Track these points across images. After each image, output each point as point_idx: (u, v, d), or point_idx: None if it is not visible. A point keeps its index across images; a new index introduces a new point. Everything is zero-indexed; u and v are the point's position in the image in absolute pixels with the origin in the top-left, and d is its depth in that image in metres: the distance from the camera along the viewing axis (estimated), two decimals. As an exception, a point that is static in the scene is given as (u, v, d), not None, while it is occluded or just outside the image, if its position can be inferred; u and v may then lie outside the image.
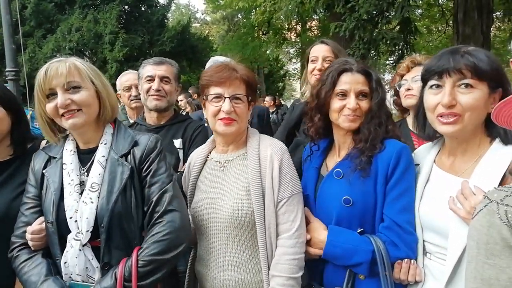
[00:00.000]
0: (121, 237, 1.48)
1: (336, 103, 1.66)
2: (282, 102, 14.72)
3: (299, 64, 24.69)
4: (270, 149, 1.66)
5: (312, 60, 2.42)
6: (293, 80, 27.87)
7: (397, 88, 2.35)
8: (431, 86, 1.42)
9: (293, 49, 23.83)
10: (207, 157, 1.82)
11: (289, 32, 18.92)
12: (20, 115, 1.82)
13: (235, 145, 1.75)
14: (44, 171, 1.59)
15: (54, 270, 1.51)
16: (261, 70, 21.63)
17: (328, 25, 8.81)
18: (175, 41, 15.86)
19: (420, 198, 1.51)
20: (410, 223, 1.49)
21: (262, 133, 1.82)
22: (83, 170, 1.56)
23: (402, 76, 2.32)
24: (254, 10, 16.65)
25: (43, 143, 1.87)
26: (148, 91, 2.37)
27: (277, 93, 24.18)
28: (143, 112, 2.56)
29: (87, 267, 1.47)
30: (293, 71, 26.22)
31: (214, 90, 1.66)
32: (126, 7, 16.30)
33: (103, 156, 1.55)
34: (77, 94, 1.50)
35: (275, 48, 20.39)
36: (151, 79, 2.38)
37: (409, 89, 2.21)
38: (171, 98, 2.44)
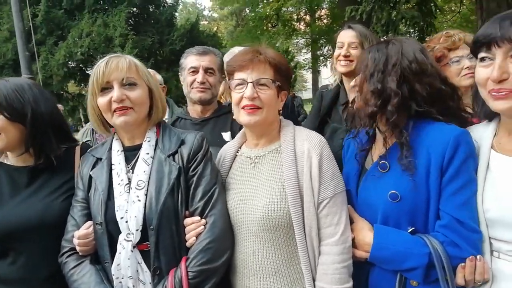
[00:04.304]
0: (170, 238, 1.45)
1: None
2: (296, 94, 14.54)
3: (309, 54, 24.36)
4: (308, 143, 1.51)
5: (339, 47, 2.40)
6: (304, 70, 27.50)
7: (450, 65, 2.02)
8: (481, 59, 1.26)
9: (303, 40, 23.50)
10: (237, 152, 1.67)
11: (298, 23, 18.69)
12: (36, 127, 1.63)
13: (266, 138, 1.60)
14: (91, 173, 1.57)
15: (103, 275, 1.48)
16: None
17: (338, 12, 8.61)
18: (184, 39, 15.87)
19: (482, 190, 1.32)
20: (473, 219, 1.30)
21: None
22: (128, 167, 1.54)
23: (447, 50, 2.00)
24: (261, 3, 16.48)
25: (78, 149, 1.77)
26: (192, 83, 2.24)
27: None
28: (186, 106, 2.47)
29: (137, 270, 1.44)
30: (303, 62, 25.85)
31: (237, 76, 1.53)
32: (134, 9, 16.43)
33: (147, 154, 1.53)
34: (133, 91, 1.50)
35: (284, 39, 20.16)
36: (195, 70, 2.24)
37: (467, 68, 1.92)
38: (215, 90, 2.32)
